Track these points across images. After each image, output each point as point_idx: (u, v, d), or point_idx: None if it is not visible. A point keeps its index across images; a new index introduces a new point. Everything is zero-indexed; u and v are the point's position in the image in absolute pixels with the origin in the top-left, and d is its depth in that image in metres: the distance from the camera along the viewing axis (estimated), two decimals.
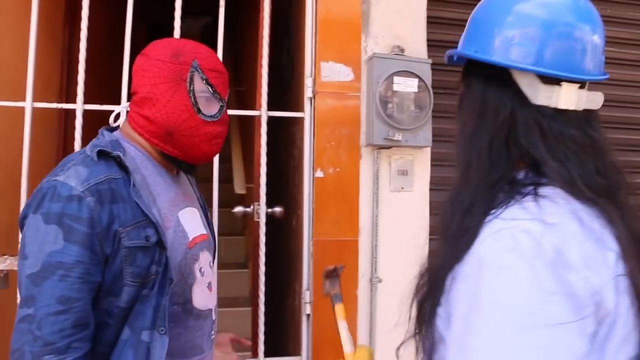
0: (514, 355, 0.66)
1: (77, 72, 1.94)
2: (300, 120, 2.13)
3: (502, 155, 0.81)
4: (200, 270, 1.26)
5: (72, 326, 1.00)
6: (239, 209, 2.19)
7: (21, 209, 1.25)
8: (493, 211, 0.76)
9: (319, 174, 2.02)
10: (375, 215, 2.08)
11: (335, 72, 2.05)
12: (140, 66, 1.20)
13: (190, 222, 1.27)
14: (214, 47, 2.08)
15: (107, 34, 3.31)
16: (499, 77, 0.83)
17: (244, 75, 4.39)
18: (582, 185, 0.77)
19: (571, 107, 0.80)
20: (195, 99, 1.18)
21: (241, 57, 4.76)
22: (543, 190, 0.76)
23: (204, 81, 1.19)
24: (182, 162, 1.25)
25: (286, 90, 2.62)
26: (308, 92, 2.06)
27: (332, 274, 1.40)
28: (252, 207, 2.11)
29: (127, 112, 1.25)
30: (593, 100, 0.82)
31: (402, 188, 2.12)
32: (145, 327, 1.11)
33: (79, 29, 1.99)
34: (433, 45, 2.24)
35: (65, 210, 1.02)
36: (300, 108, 2.13)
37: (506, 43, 0.82)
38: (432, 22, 2.26)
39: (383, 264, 2.10)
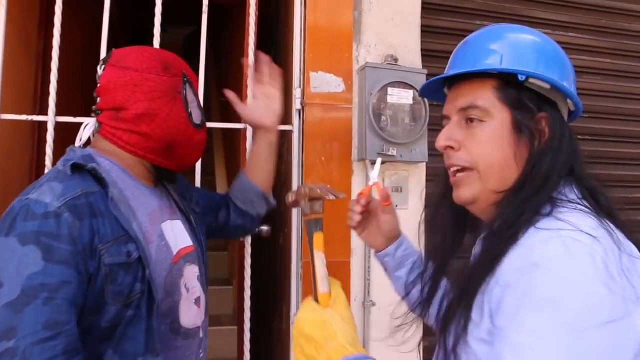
0: (568, 354, 0.68)
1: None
2: (288, 134, 2.00)
3: (554, 172, 0.87)
4: (185, 286, 1.21)
5: (63, 352, 0.91)
6: None
7: None
8: (532, 224, 0.80)
9: None
10: None
11: (326, 82, 1.93)
12: (128, 81, 1.14)
13: (174, 235, 1.21)
14: (197, 56, 1.98)
15: (85, 42, 3.18)
16: (554, 103, 0.90)
17: (227, 86, 4.26)
18: (606, 202, 0.85)
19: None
20: (189, 109, 1.20)
21: (224, 67, 4.64)
22: (579, 206, 0.82)
23: (193, 91, 1.23)
24: (169, 172, 1.25)
25: None
26: (296, 104, 1.94)
27: (317, 196, 1.15)
28: None
29: (98, 127, 1.18)
30: None
31: (397, 206, 2.00)
32: (139, 354, 1.05)
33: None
34: (427, 55, 2.14)
35: (42, 229, 0.95)
36: (288, 120, 2.00)
37: (570, 76, 0.92)
38: (427, 31, 2.15)
39: (376, 287, 1.97)
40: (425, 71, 1.98)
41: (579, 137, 2.43)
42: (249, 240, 1.90)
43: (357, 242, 1.95)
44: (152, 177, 1.24)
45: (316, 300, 1.01)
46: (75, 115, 1.78)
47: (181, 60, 1.25)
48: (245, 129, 1.91)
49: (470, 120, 0.92)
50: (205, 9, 1.91)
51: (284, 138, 2.14)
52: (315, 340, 0.90)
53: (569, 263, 0.72)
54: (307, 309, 0.97)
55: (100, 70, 1.19)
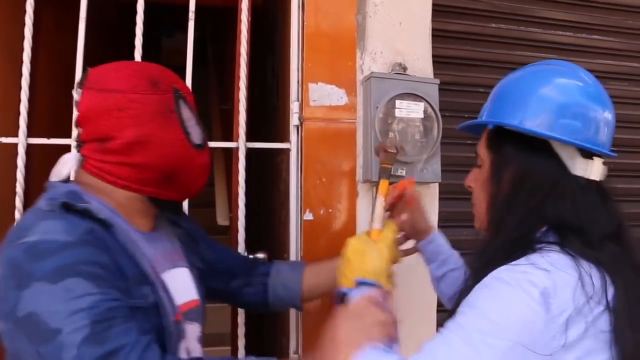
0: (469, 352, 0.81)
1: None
2: (285, 152, 1.81)
3: (533, 218, 0.93)
4: (187, 350, 1.06)
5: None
6: None
7: None
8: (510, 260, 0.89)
9: (308, 216, 1.70)
10: None
11: (326, 95, 1.74)
12: (110, 105, 0.96)
13: (175, 287, 1.05)
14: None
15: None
16: (541, 148, 0.94)
17: (228, 93, 4.10)
18: (595, 244, 0.89)
19: (598, 179, 0.95)
20: (187, 129, 1.03)
21: (226, 73, 4.47)
22: (551, 248, 0.89)
23: (189, 108, 1.06)
24: (171, 204, 1.09)
25: (271, 115, 2.31)
26: (294, 119, 1.74)
27: (392, 152, 1.31)
28: None
29: (81, 161, 1.02)
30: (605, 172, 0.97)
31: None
32: None
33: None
34: (439, 62, 1.94)
35: (69, 259, 0.83)
36: (284, 138, 1.81)
37: (555, 118, 0.93)
38: (438, 35, 1.96)
39: None
40: (437, 80, 1.78)
41: None
42: None
43: None
44: (151, 216, 1.08)
45: (368, 234, 1.19)
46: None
47: (170, 72, 1.08)
48: (237, 148, 1.72)
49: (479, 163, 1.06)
50: (191, 15, 1.73)
51: (282, 154, 1.95)
52: (350, 263, 1.11)
53: (506, 285, 0.84)
54: (357, 238, 1.16)
55: (76, 95, 1.01)
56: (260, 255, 1.85)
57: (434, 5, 1.92)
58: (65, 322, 0.79)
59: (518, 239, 0.91)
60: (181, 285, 1.08)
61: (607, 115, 0.97)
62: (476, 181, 1.06)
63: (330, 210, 1.72)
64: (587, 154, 0.94)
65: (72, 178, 1.05)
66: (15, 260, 0.83)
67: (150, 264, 1.00)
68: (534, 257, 0.86)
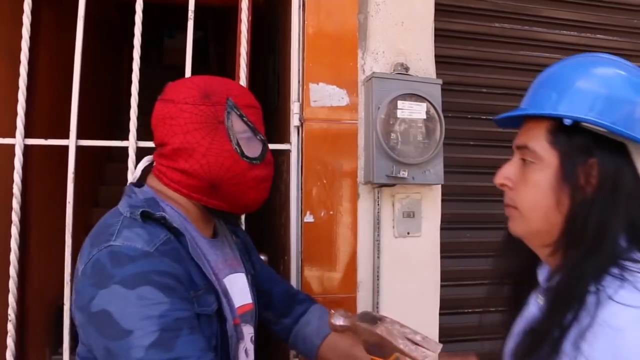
0: None
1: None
2: (285, 153, 1.79)
3: (624, 229, 0.82)
4: (245, 351, 1.12)
5: None
6: None
7: None
8: (602, 286, 0.78)
9: (309, 218, 1.68)
10: (377, 267, 1.74)
11: (327, 95, 1.71)
12: (166, 114, 1.04)
13: (234, 291, 1.12)
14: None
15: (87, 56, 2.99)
16: (619, 150, 0.83)
17: None
18: None
19: None
20: (237, 141, 1.04)
21: (228, 73, 4.45)
22: None
23: (243, 120, 1.06)
24: (227, 214, 1.11)
25: (272, 115, 2.29)
26: (294, 120, 1.72)
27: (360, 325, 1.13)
28: None
29: (152, 165, 1.12)
30: None
31: (408, 233, 1.78)
32: None
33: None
34: (442, 62, 1.92)
35: (147, 268, 0.89)
36: (285, 139, 1.79)
37: (635, 117, 0.83)
38: (441, 35, 1.94)
39: None
40: (440, 81, 1.76)
41: None
42: None
43: (363, 274, 1.74)
44: (211, 223, 1.15)
45: None
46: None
47: (233, 85, 1.10)
48: None
49: (524, 160, 0.92)
50: (190, 14, 1.70)
51: (283, 155, 1.93)
52: None
53: None
54: None
55: None
56: (262, 257, 1.83)
57: (436, 4, 1.89)
58: (137, 325, 0.85)
59: (617, 257, 0.81)
60: (239, 289, 1.14)
61: None
62: (521, 180, 0.92)
63: (331, 213, 1.70)
64: None
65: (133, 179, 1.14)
66: (100, 261, 0.90)
67: (213, 270, 1.06)
68: None
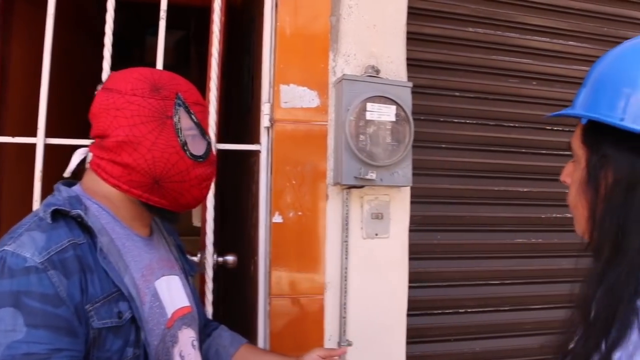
0: None
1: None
2: (255, 154, 1.79)
3: (625, 233, 0.76)
4: (180, 354, 1.06)
5: None
6: None
7: None
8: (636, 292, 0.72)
9: (278, 218, 1.69)
10: (345, 268, 1.74)
11: (298, 96, 1.72)
12: (110, 104, 1.00)
13: (169, 294, 1.07)
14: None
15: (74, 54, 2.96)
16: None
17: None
18: None
19: None
20: (184, 138, 1.02)
21: (208, 73, 4.43)
22: None
23: (190, 117, 1.04)
24: (166, 212, 1.07)
25: (246, 115, 2.29)
26: (265, 121, 1.73)
27: None
28: (198, 255, 1.77)
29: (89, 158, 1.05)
30: None
31: (377, 234, 1.79)
32: None
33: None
34: (414, 65, 1.94)
35: (22, 288, 0.81)
36: (255, 139, 1.80)
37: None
38: (413, 38, 1.95)
39: (354, 325, 1.76)
40: (410, 83, 1.77)
41: None
42: (210, 274, 1.70)
43: (331, 275, 1.74)
44: (147, 221, 1.10)
45: None
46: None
47: (181, 80, 1.07)
48: None
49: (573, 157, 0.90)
50: (162, 14, 1.70)
51: (255, 157, 1.93)
52: None
53: None
54: None
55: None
56: (230, 258, 1.83)
57: (409, 8, 1.91)
58: None
59: (626, 269, 0.74)
60: (175, 292, 1.09)
61: None
62: (572, 177, 0.90)
63: (299, 213, 1.70)
64: None
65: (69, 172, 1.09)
66: None
67: (142, 272, 1.01)
68: None
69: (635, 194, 0.76)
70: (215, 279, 1.77)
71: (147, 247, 1.07)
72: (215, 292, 1.75)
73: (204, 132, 1.08)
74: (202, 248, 1.73)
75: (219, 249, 1.81)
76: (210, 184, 1.11)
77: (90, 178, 1.03)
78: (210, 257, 1.70)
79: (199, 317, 1.19)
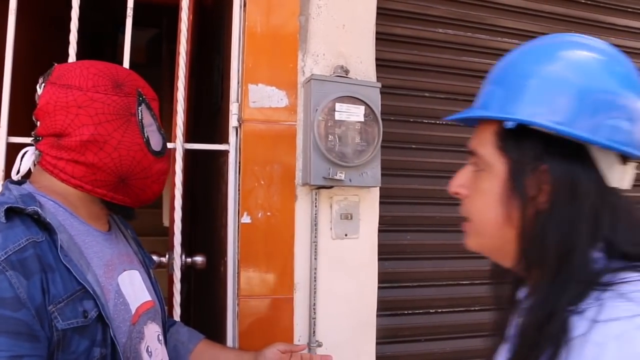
0: None
1: None
2: (224, 154, 1.78)
3: (590, 241, 0.70)
4: (147, 349, 1.04)
5: None
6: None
7: None
8: (574, 307, 0.66)
9: (246, 219, 1.68)
10: (314, 268, 1.74)
11: (266, 96, 1.71)
12: (70, 101, 0.96)
13: (131, 288, 1.04)
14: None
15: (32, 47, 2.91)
16: (577, 154, 0.71)
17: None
18: None
19: (628, 188, 0.75)
20: (146, 135, 1.02)
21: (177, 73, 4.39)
22: (631, 276, 0.66)
23: (150, 113, 1.05)
24: (127, 208, 1.06)
25: (216, 115, 2.27)
26: (233, 121, 1.71)
27: None
28: (167, 256, 1.75)
29: (38, 157, 1.00)
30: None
31: (346, 235, 1.79)
32: None
33: None
34: (383, 65, 1.94)
35: None
36: (223, 139, 1.78)
37: (601, 120, 0.69)
38: (382, 39, 1.96)
39: (323, 325, 1.76)
40: (379, 84, 1.78)
41: None
42: (177, 274, 1.68)
43: (300, 276, 1.74)
44: (105, 217, 1.07)
45: None
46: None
47: (137, 76, 1.07)
48: (174, 149, 1.68)
49: (475, 165, 0.81)
50: (129, 12, 1.68)
51: (224, 157, 1.92)
52: None
53: None
54: None
55: (39, 89, 0.99)
56: (198, 258, 1.82)
57: (379, 8, 1.91)
58: None
59: (587, 275, 0.69)
60: (137, 286, 1.07)
61: None
62: (473, 188, 0.81)
63: (268, 214, 1.69)
64: (624, 159, 0.73)
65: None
66: None
67: (105, 268, 0.98)
68: (626, 295, 0.64)
69: (578, 206, 0.70)
70: (185, 280, 1.75)
71: (107, 242, 1.04)
72: (186, 292, 1.73)
73: (159, 127, 1.08)
74: (170, 248, 1.71)
75: (190, 250, 1.79)
76: (166, 178, 1.11)
77: (42, 177, 0.99)
78: (178, 258, 1.68)
79: (162, 310, 1.17)
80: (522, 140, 0.73)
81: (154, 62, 5.30)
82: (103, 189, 0.99)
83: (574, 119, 0.69)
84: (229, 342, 1.71)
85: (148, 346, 1.04)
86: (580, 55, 0.73)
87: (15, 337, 0.78)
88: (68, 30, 1.61)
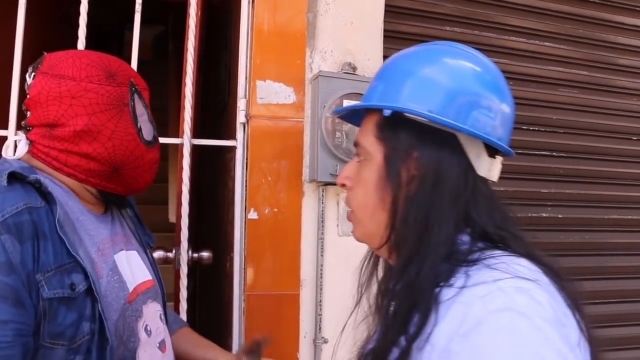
0: None
1: None
2: (231, 150, 1.78)
3: (453, 226, 0.75)
4: (146, 328, 1.03)
5: None
6: (158, 253, 1.82)
7: None
8: (444, 283, 0.70)
9: (253, 215, 1.68)
10: (320, 265, 1.74)
11: (274, 92, 1.72)
12: (64, 92, 0.95)
13: (129, 268, 1.03)
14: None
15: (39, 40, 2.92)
16: (447, 141, 0.77)
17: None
18: (527, 248, 0.75)
19: (496, 180, 0.81)
20: (138, 124, 1.02)
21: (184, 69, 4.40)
22: (495, 253, 0.72)
23: (142, 103, 1.05)
24: (118, 197, 1.06)
25: (223, 111, 2.28)
26: (240, 117, 1.72)
27: (253, 349, 1.19)
28: (173, 251, 1.76)
29: (29, 145, 0.99)
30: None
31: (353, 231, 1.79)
32: None
33: None
34: None
35: None
36: (231, 135, 1.79)
37: (469, 108, 0.76)
38: (390, 36, 1.96)
39: (329, 322, 1.76)
40: None
41: (555, 154, 2.27)
42: (184, 270, 1.69)
43: (307, 272, 1.74)
44: (99, 202, 1.06)
45: None
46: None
47: (128, 66, 1.07)
48: (182, 145, 1.69)
49: (359, 156, 0.85)
50: (138, 7, 1.68)
51: (232, 153, 1.92)
52: None
53: (517, 317, 0.62)
54: None
55: (29, 79, 0.99)
56: (205, 254, 1.82)
57: (387, 6, 1.91)
58: None
59: (449, 254, 0.73)
60: (135, 266, 1.07)
61: (513, 115, 0.83)
62: (356, 178, 0.85)
63: (275, 210, 1.70)
64: (491, 152, 0.80)
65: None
66: None
67: (99, 246, 0.97)
68: (500, 266, 0.68)
69: (440, 189, 0.75)
70: (192, 276, 1.76)
71: (103, 223, 1.03)
72: (191, 288, 1.73)
73: (150, 117, 1.08)
74: (177, 244, 1.72)
75: (196, 245, 1.79)
76: (158, 167, 1.11)
77: (35, 162, 0.98)
78: (185, 253, 1.68)
79: (161, 290, 1.17)
80: (398, 130, 0.78)
81: (161, 59, 5.32)
82: (96, 179, 0.99)
83: (443, 110, 0.75)
84: (235, 338, 1.72)
85: (147, 325, 1.03)
86: (458, 62, 0.80)
87: (2, 302, 0.77)
88: (76, 27, 1.62)
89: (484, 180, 0.79)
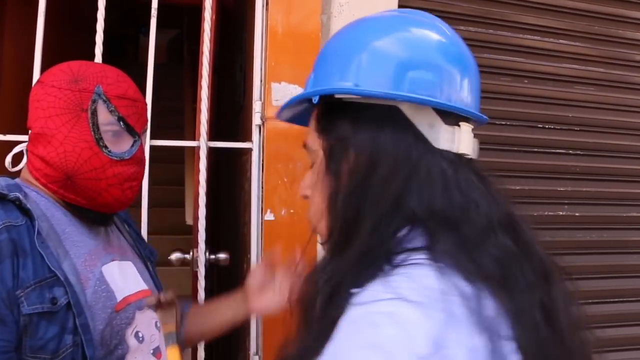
0: None
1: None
2: (247, 152, 1.80)
3: (392, 216, 0.64)
4: (137, 335, 1.03)
5: None
6: (176, 255, 1.84)
7: None
8: (358, 290, 0.59)
9: (269, 216, 1.69)
10: None
11: (289, 94, 1.72)
12: (33, 95, 0.99)
13: (120, 279, 1.04)
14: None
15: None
16: (389, 117, 0.67)
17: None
18: (478, 239, 0.62)
19: (470, 153, 0.69)
20: (99, 133, 0.98)
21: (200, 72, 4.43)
22: (417, 257, 0.60)
23: (111, 112, 0.99)
24: (90, 211, 1.02)
25: (239, 113, 2.29)
26: (256, 119, 1.73)
27: (166, 305, 1.11)
28: (190, 253, 1.77)
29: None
30: (477, 147, 0.72)
31: None
32: None
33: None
34: None
35: None
36: (247, 137, 1.80)
37: (401, 72, 0.67)
38: None
39: None
40: None
41: (571, 152, 2.25)
42: (202, 271, 1.70)
43: None
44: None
45: None
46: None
47: (112, 73, 1.03)
48: (198, 147, 1.70)
49: (311, 160, 0.77)
50: (153, 12, 1.70)
51: (248, 155, 1.94)
52: None
53: (377, 356, 0.50)
54: None
55: None
56: (222, 256, 1.84)
57: (400, 7, 1.91)
58: None
59: (374, 250, 0.63)
60: (128, 277, 1.08)
61: (470, 75, 0.74)
62: (313, 186, 0.76)
63: (291, 211, 1.70)
64: (451, 119, 0.69)
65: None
66: None
67: (85, 257, 0.98)
68: (395, 281, 0.57)
69: (375, 170, 0.66)
70: (209, 277, 1.77)
71: (92, 233, 1.03)
72: (208, 290, 1.75)
73: (130, 129, 1.02)
74: (194, 246, 1.73)
75: (213, 247, 1.81)
76: (136, 185, 1.06)
77: (26, 170, 1.03)
78: (202, 255, 1.69)
79: None
80: (334, 118, 0.71)
81: (175, 62, 5.37)
82: (54, 185, 0.98)
83: (375, 81, 0.67)
84: (253, 340, 1.73)
85: (138, 332, 1.03)
86: (377, 26, 0.74)
87: None
88: (92, 32, 1.64)
89: (448, 155, 0.67)
